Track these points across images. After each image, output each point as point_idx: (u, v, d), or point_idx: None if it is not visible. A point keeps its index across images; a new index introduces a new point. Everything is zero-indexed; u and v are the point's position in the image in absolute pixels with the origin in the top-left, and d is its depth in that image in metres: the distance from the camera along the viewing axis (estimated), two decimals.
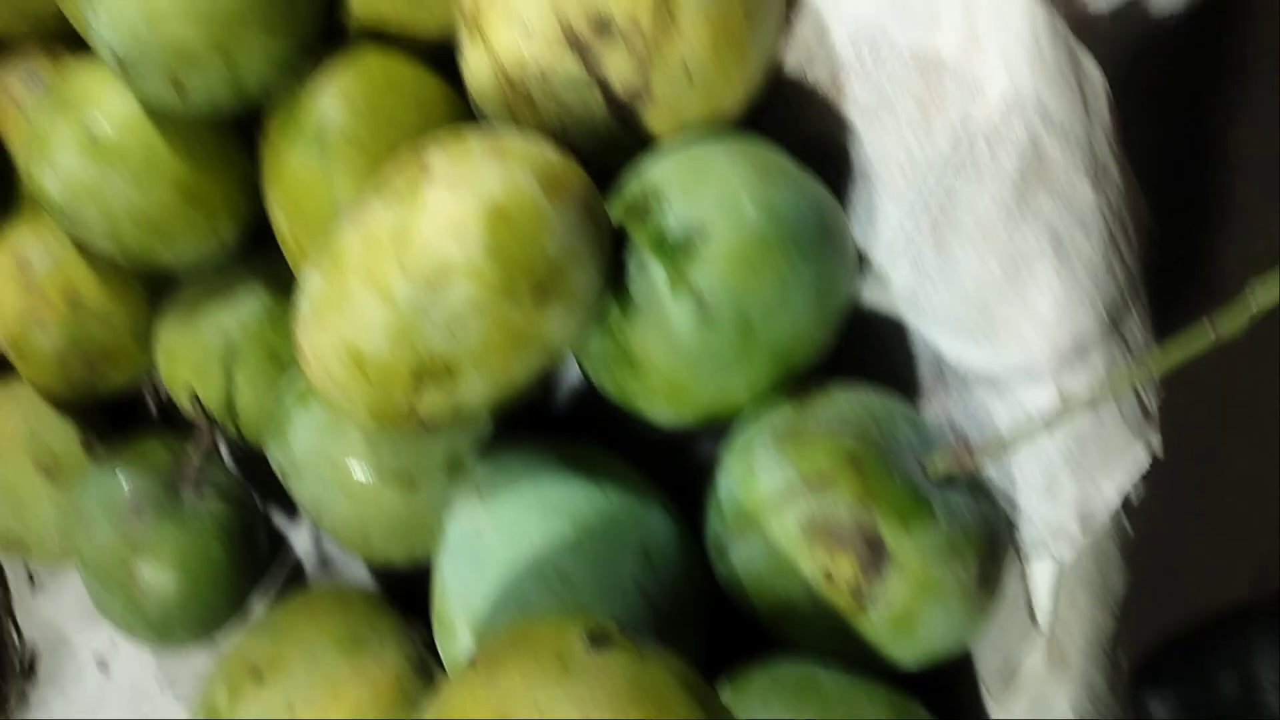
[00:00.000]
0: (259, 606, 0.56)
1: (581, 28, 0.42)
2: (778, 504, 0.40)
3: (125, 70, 0.44)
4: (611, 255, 0.41)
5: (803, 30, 0.47)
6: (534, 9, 0.42)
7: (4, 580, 0.63)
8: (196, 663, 0.59)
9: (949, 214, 0.43)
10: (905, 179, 0.44)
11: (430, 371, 0.38)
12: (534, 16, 0.42)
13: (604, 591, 0.41)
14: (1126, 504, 0.43)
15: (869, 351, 0.48)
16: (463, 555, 0.43)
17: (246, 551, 0.52)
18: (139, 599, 0.50)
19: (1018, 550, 0.44)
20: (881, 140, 0.45)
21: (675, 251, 0.41)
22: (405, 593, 0.55)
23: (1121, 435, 0.43)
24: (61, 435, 0.57)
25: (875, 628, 0.39)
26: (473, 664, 0.34)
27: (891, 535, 0.38)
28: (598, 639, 0.33)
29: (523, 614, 0.41)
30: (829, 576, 0.39)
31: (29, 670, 0.63)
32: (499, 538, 0.42)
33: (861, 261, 0.46)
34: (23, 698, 0.62)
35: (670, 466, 0.51)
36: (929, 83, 0.43)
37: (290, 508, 0.59)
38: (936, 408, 0.46)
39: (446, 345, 0.38)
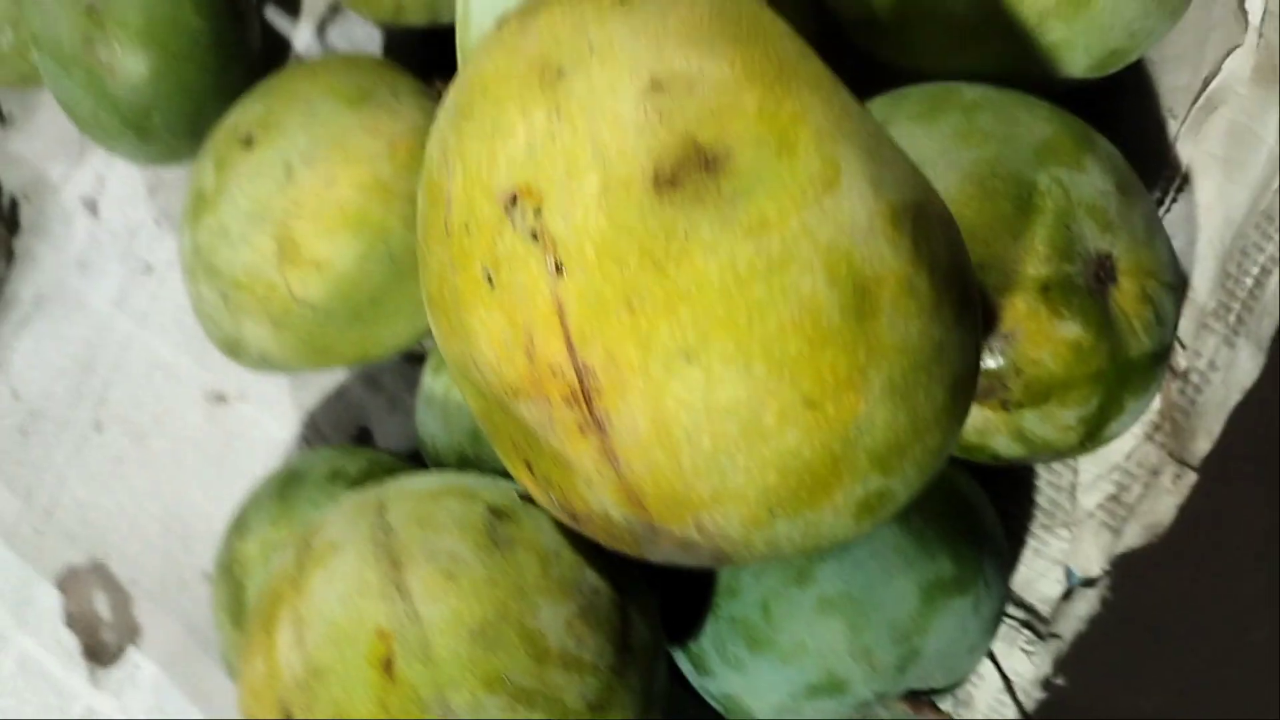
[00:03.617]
0: None
1: None
2: None
3: None
4: None
5: None
6: None
7: None
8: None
9: None
10: None
11: None
12: None
13: None
14: None
15: None
16: None
17: (229, 23, 0.42)
18: (106, 82, 0.41)
19: None
20: None
21: None
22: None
23: None
24: None
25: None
26: (503, 24, 0.25)
27: None
28: None
29: None
30: None
31: (10, 219, 0.55)
32: None
33: None
34: (6, 249, 0.54)
35: None
36: None
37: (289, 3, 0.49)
38: None
39: None
